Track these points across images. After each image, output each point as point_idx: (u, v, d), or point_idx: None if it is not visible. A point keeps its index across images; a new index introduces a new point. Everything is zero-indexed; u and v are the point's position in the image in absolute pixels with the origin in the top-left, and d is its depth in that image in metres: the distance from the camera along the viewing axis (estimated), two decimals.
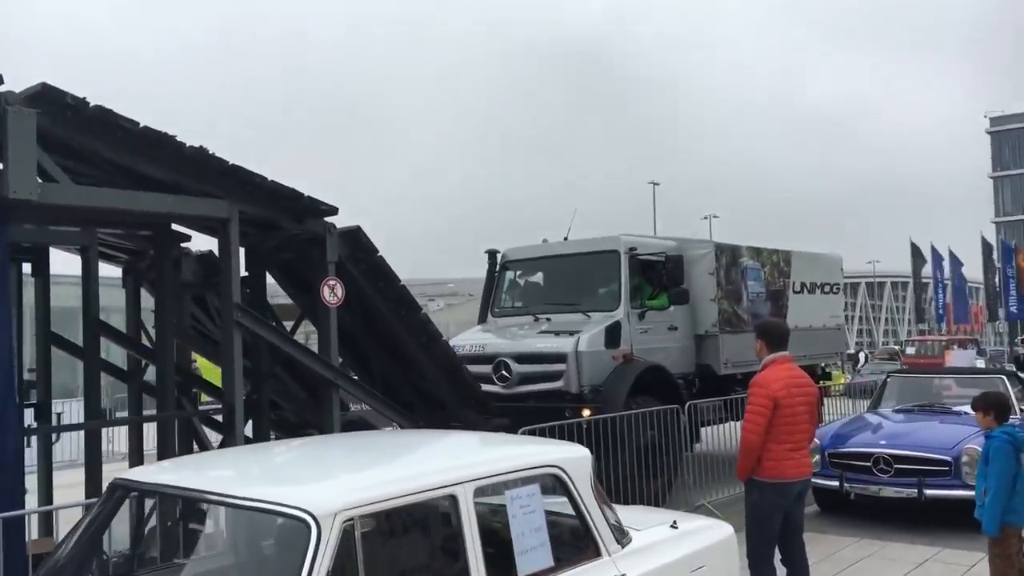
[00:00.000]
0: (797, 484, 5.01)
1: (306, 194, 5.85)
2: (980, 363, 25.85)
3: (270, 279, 7.13)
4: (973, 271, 40.05)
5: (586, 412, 8.16)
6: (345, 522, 2.64)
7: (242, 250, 6.11)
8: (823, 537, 7.36)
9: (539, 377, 8.78)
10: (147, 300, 7.57)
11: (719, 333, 10.19)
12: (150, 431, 7.73)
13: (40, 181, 4.56)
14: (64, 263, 7.37)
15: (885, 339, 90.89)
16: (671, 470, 8.66)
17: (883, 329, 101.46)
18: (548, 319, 9.54)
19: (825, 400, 11.78)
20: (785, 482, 4.94)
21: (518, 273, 10.63)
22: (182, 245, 6.88)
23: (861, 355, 41.36)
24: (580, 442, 6.65)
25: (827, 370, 13.88)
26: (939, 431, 8.24)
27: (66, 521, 3.92)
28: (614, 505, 3.87)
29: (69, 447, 11.01)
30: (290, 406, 7.71)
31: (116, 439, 13.12)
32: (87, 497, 6.25)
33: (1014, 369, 17.20)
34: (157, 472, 3.45)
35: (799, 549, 5.12)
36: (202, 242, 6.70)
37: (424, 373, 7.00)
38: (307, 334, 9.54)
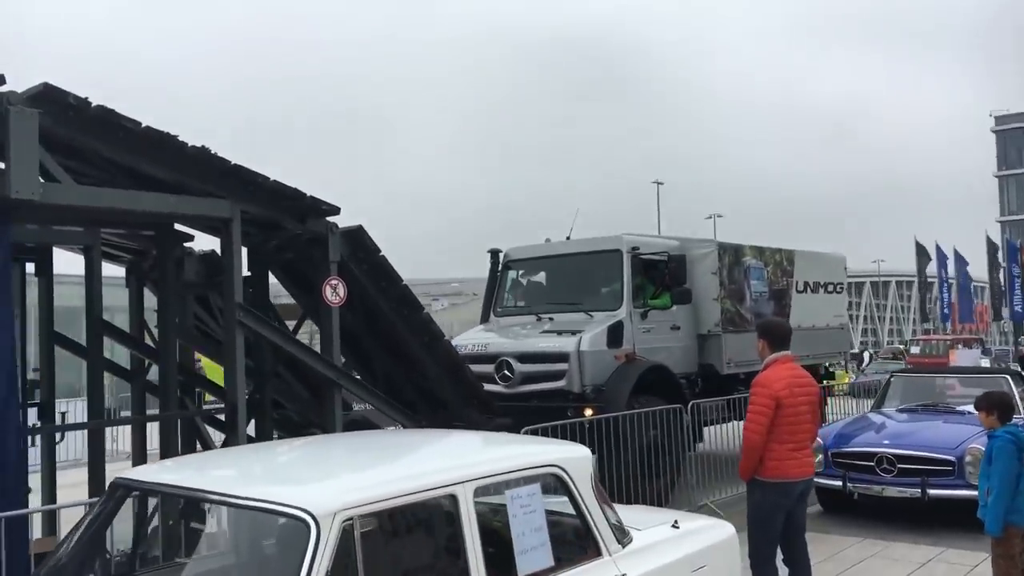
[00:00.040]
0: (799, 484, 5.00)
1: (308, 194, 5.86)
2: (985, 362, 25.74)
3: (273, 279, 7.14)
4: (978, 270, 39.97)
5: (588, 412, 8.16)
6: (345, 522, 2.64)
7: (245, 250, 6.13)
8: (826, 537, 7.35)
9: (541, 376, 8.78)
10: (151, 300, 7.58)
11: (722, 333, 10.17)
12: (153, 430, 7.73)
13: (42, 181, 4.57)
14: (68, 263, 7.39)
15: (890, 338, 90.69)
16: (674, 470, 8.65)
17: (888, 328, 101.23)
18: (551, 318, 9.54)
19: (829, 400, 11.78)
20: (787, 482, 4.93)
21: (521, 272, 10.63)
22: (185, 245, 6.89)
23: (865, 354, 41.25)
24: (582, 442, 6.65)
25: (831, 370, 13.85)
26: (943, 431, 8.22)
27: (69, 520, 3.94)
28: (615, 505, 3.87)
29: (73, 446, 11.03)
30: (293, 405, 7.71)
31: (120, 438, 13.15)
32: (90, 496, 6.26)
33: (1019, 368, 17.14)
34: (158, 471, 3.46)
35: (801, 549, 5.12)
36: (205, 242, 6.73)
37: (426, 372, 7.01)
38: (311, 333, 9.55)
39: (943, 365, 21.51)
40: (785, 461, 4.91)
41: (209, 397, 8.81)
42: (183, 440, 7.11)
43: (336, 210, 6.07)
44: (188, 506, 3.37)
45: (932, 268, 34.77)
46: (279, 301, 8.21)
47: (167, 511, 3.56)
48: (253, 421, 6.57)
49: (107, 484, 3.43)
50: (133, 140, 4.97)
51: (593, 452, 7.51)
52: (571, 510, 3.47)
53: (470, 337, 9.77)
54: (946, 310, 36.75)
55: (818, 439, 7.83)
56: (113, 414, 13.71)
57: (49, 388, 6.96)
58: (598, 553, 3.43)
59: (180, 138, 5.12)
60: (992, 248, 35.18)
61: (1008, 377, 9.26)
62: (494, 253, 10.76)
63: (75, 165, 5.25)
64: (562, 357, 8.70)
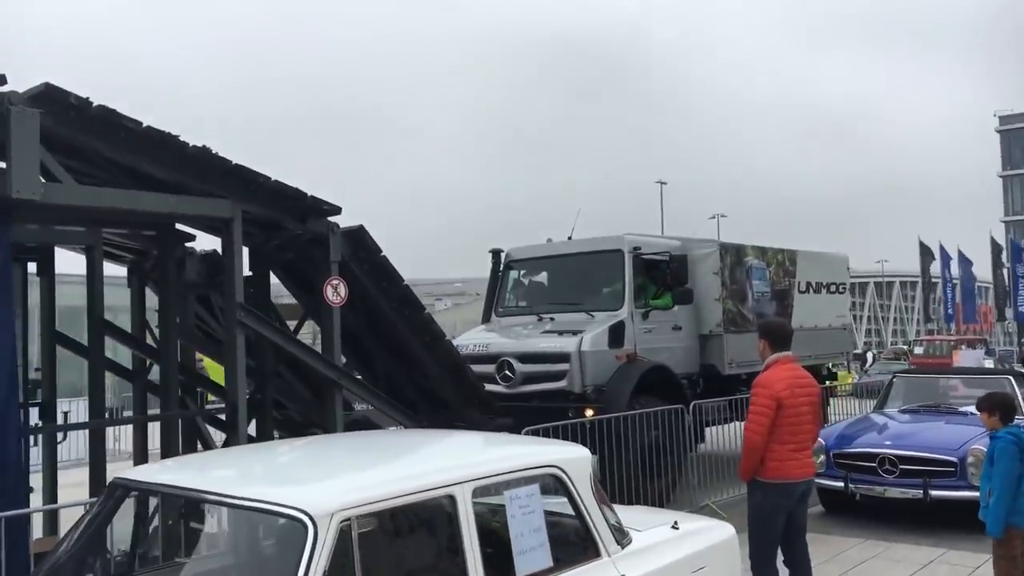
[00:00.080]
0: (800, 485, 4.99)
1: (309, 194, 5.86)
2: (988, 363, 25.70)
3: (275, 279, 7.14)
4: (982, 270, 39.87)
5: (589, 412, 8.15)
6: (342, 522, 2.64)
7: (246, 250, 6.14)
8: (828, 538, 7.33)
9: (542, 377, 8.78)
10: (152, 300, 7.59)
11: (723, 333, 10.16)
12: (155, 430, 7.75)
13: (43, 181, 4.57)
14: (70, 263, 7.41)
15: (894, 339, 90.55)
16: (675, 470, 8.64)
17: (892, 329, 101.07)
18: (552, 319, 9.53)
19: (832, 400, 11.76)
20: (788, 482, 4.92)
21: (522, 272, 10.63)
22: (186, 245, 6.90)
23: (869, 355, 41.22)
24: (584, 442, 6.65)
25: (833, 370, 13.83)
26: (945, 432, 8.20)
27: (69, 520, 3.94)
28: (616, 505, 3.87)
29: (76, 446, 11.04)
30: (295, 406, 7.72)
31: (123, 438, 13.17)
32: (91, 496, 6.27)
33: (1023, 369, 17.11)
34: (156, 471, 3.46)
35: (802, 550, 5.10)
36: (207, 242, 6.73)
37: (428, 373, 7.01)
38: (314, 333, 9.56)
39: (946, 366, 21.45)
40: (786, 462, 4.90)
41: (212, 397, 8.81)
42: (184, 440, 7.11)
43: (337, 210, 6.07)
44: (186, 506, 3.37)
45: (936, 268, 34.71)
46: (280, 301, 8.21)
47: (165, 511, 3.56)
48: (254, 421, 6.58)
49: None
50: (134, 140, 4.97)
51: (594, 453, 7.53)
52: (570, 511, 3.46)
53: (471, 337, 9.77)
54: (950, 310, 36.69)
55: (820, 440, 7.83)
56: (116, 414, 13.74)
57: (50, 388, 6.97)
58: (597, 554, 3.43)
59: (181, 138, 5.13)
60: (996, 248, 35.12)
61: (1011, 378, 9.23)
62: (495, 253, 10.75)
63: (76, 165, 5.26)
64: (563, 357, 8.70)
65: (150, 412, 7.68)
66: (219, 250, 6.19)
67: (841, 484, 8.06)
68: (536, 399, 8.69)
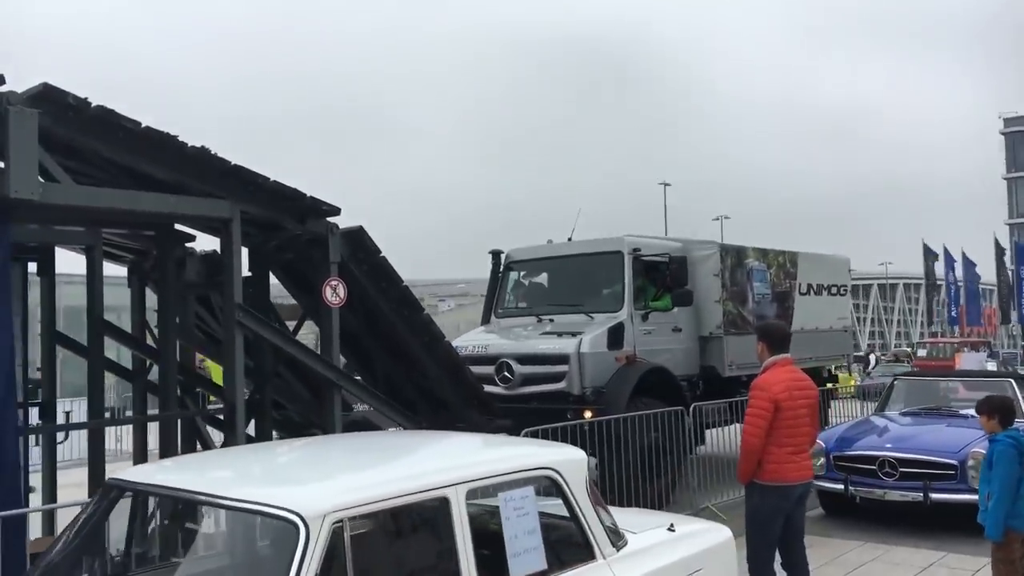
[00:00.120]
0: (798, 487, 4.98)
1: (308, 194, 5.86)
2: (991, 365, 25.63)
3: (274, 280, 7.15)
4: (986, 273, 39.75)
5: (588, 414, 8.14)
6: (334, 524, 2.64)
7: (245, 250, 6.14)
8: (828, 540, 7.32)
9: (542, 378, 8.77)
10: (152, 300, 7.60)
11: (723, 335, 10.15)
12: (155, 430, 7.76)
13: (42, 181, 4.58)
14: (70, 263, 7.42)
15: (897, 341, 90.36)
16: (674, 472, 8.63)
17: (895, 331, 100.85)
18: (551, 320, 9.53)
19: (832, 402, 11.73)
20: (786, 485, 4.91)
21: (522, 274, 10.63)
22: (186, 245, 6.91)
23: (872, 357, 41.11)
24: (583, 444, 6.65)
25: (834, 372, 13.81)
26: (945, 434, 8.18)
27: (66, 520, 3.94)
28: (611, 507, 3.86)
29: (77, 446, 11.05)
30: (294, 406, 7.72)
31: (124, 438, 13.19)
32: (90, 496, 6.28)
33: None
34: (151, 472, 3.46)
35: (800, 553, 5.10)
36: (207, 242, 6.74)
37: (427, 373, 7.01)
38: (316, 334, 9.56)
39: (949, 368, 21.44)
40: (784, 464, 4.90)
41: (212, 398, 8.82)
42: (183, 440, 7.13)
43: (336, 210, 6.07)
44: (180, 507, 3.37)
45: (940, 270, 34.64)
46: (280, 302, 8.22)
47: (160, 512, 3.56)
48: (253, 421, 6.58)
49: None
50: (133, 140, 4.98)
51: (593, 454, 7.53)
52: (565, 513, 3.45)
53: (470, 338, 9.77)
54: (954, 313, 36.62)
55: (820, 442, 7.82)
56: (117, 414, 13.77)
57: (50, 388, 6.98)
58: (592, 556, 3.42)
59: (179, 138, 5.13)
60: (999, 251, 35.04)
61: (1012, 381, 9.21)
62: (495, 254, 10.75)
63: (75, 165, 5.26)
64: (562, 359, 8.69)
65: (150, 412, 7.69)
66: (218, 250, 6.20)
67: (841, 486, 8.04)
68: (535, 400, 8.68)
